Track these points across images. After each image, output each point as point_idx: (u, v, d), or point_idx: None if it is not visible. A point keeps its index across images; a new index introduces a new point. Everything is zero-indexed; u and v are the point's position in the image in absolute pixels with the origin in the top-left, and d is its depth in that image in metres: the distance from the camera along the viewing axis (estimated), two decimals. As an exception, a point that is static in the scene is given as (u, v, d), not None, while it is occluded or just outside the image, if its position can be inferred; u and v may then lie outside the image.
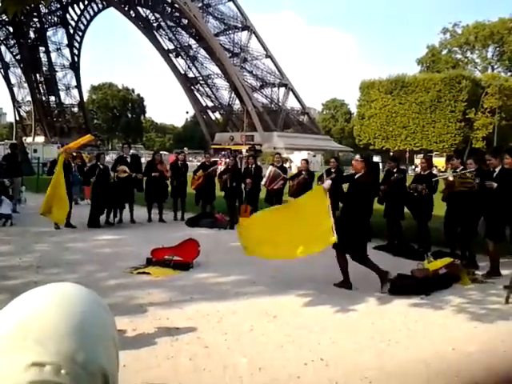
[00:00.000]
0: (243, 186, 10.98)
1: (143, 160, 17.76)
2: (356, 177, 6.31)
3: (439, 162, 49.08)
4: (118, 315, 4.78)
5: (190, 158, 54.72)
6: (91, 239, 9.03)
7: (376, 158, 45.94)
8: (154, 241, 8.31)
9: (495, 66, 73.69)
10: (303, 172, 10.66)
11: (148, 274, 6.42)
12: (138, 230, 10.25)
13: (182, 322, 4.69)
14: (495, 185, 6.74)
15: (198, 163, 15.27)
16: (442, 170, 41.92)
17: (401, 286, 5.90)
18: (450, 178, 7.79)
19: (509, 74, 71.00)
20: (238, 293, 5.70)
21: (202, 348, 4.08)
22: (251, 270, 6.84)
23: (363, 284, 6.23)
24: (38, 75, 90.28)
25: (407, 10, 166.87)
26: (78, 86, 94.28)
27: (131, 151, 12.59)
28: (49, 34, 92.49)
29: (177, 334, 4.36)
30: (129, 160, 11.23)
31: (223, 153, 63.64)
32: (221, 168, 11.25)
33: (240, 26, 79.03)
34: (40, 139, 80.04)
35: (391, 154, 56.44)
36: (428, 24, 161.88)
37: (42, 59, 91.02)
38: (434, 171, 15.70)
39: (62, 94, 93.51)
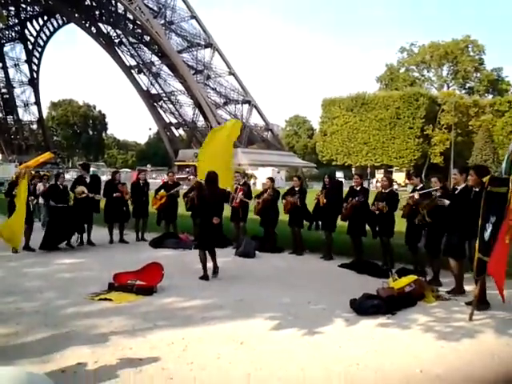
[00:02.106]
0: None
1: (104, 177, 17.41)
2: None
3: (399, 177, 50.28)
4: (78, 345, 4.60)
5: (154, 175, 54.19)
6: (51, 263, 8.71)
7: (339, 174, 46.63)
8: (117, 264, 8.11)
9: (450, 84, 76.54)
10: (268, 190, 10.64)
11: (110, 300, 6.20)
12: (100, 253, 9.95)
13: (145, 351, 4.52)
14: (447, 202, 6.99)
15: (161, 181, 15.06)
16: (402, 184, 43.00)
17: (367, 307, 5.89)
18: (416, 196, 7.92)
19: (463, 91, 73.89)
20: (204, 318, 5.56)
21: (167, 380, 3.93)
22: (217, 293, 6.73)
23: (330, 303, 6.22)
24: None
25: (366, 29, 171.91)
26: (37, 103, 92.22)
27: (92, 170, 12.31)
28: (6, 49, 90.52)
29: (140, 366, 4.19)
30: (88, 180, 10.94)
31: (187, 169, 63.29)
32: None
33: (203, 43, 79.38)
34: (-3, 157, 77.51)
35: (353, 169, 57.62)
36: (386, 43, 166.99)
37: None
38: (395, 186, 16.03)
39: (21, 111, 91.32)
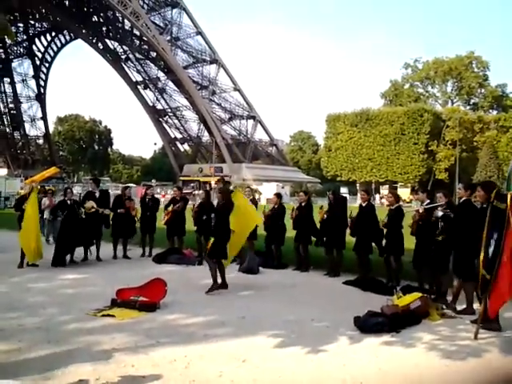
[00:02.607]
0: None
1: (110, 192, 17.47)
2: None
3: (404, 192, 50.19)
4: (80, 362, 4.58)
5: (158, 190, 54.27)
6: (54, 279, 8.70)
7: (343, 190, 46.67)
8: (120, 280, 8.09)
9: (454, 100, 76.87)
10: (275, 206, 10.62)
11: (113, 316, 6.18)
12: (104, 269, 9.94)
13: (147, 369, 4.49)
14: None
15: (161, 196, 15.04)
16: (407, 200, 42.89)
17: (371, 324, 5.84)
18: (420, 211, 7.89)
19: (468, 107, 74.08)
20: (207, 335, 5.53)
21: (169, 398, 3.90)
22: (220, 309, 6.69)
23: (334, 321, 6.18)
24: (1, 106, 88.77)
25: (371, 45, 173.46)
26: (44, 118, 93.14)
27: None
28: (14, 64, 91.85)
29: (142, 383, 4.16)
30: (97, 195, 10.99)
31: (192, 184, 63.50)
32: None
33: (208, 59, 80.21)
34: (3, 172, 77.95)
35: (357, 185, 57.61)
36: (390, 59, 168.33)
37: (7, 90, 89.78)
38: (400, 203, 15.93)
39: (27, 126, 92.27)
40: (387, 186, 56.72)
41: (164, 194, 37.51)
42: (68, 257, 10.22)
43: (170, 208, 11.49)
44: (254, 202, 11.18)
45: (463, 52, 73.87)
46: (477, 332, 5.63)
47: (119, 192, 14.07)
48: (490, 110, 74.73)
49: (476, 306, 6.63)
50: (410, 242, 8.34)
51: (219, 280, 7.87)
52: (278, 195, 11.03)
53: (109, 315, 6.22)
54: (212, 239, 8.12)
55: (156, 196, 13.37)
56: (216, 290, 7.72)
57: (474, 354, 5.09)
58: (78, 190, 44.21)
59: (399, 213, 8.63)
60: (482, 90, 75.69)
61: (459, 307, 6.80)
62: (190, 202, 12.55)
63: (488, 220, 5.77)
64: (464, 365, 4.82)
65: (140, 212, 11.57)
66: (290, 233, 10.30)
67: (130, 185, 38.84)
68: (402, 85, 79.91)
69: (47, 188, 15.51)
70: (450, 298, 7.22)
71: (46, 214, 12.99)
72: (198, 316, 6.33)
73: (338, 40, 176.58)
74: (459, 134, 56.19)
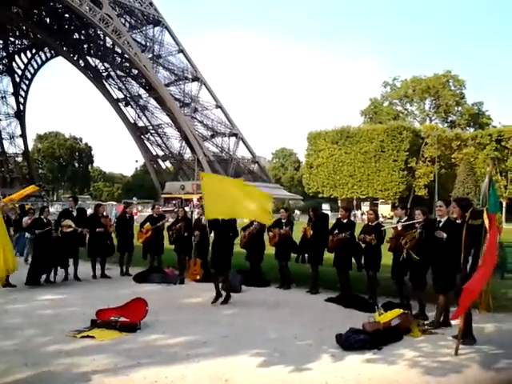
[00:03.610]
0: (192, 238, 10.76)
1: (90, 211, 17.29)
2: None
3: (385, 209, 50.71)
4: (59, 385, 4.47)
5: (140, 208, 53.72)
6: (32, 299, 8.52)
7: (325, 206, 46.86)
8: (100, 300, 7.98)
9: (433, 118, 78.30)
10: (254, 223, 10.60)
11: (92, 337, 6.08)
12: (82, 288, 9.78)
13: (128, 391, 4.42)
14: (445, 235, 6.80)
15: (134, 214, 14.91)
16: (388, 216, 43.32)
17: (353, 341, 5.86)
18: (399, 228, 7.98)
19: (445, 125, 75.53)
20: (189, 355, 5.47)
21: (150, 421, 3.84)
22: (202, 328, 6.64)
23: (316, 338, 6.18)
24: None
25: (351, 63, 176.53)
26: (23, 135, 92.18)
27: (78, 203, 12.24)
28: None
29: (122, 406, 4.09)
30: (75, 214, 10.86)
31: (174, 202, 63.16)
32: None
33: (190, 77, 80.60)
34: (-20, 189, 76.60)
35: (339, 202, 57.98)
36: (370, 78, 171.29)
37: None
38: (380, 219, 16.12)
39: (6, 143, 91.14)
40: (368, 202, 57.26)
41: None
42: (44, 276, 10.04)
43: (146, 226, 11.35)
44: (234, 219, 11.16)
45: (440, 71, 75.65)
46: (457, 348, 5.69)
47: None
48: (467, 128, 76.24)
49: (455, 322, 6.70)
50: (387, 258, 8.44)
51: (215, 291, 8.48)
52: None
53: (88, 336, 6.12)
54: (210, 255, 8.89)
55: (144, 214, 13.29)
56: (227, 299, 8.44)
57: (455, 370, 5.13)
58: (57, 208, 43.56)
59: (379, 229, 8.72)
60: (459, 108, 77.30)
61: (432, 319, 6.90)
62: (169, 220, 12.49)
63: (464, 237, 5.89)
64: (445, 381, 4.86)
65: (115, 230, 11.43)
66: (269, 250, 10.30)
67: (105, 203, 38.29)
68: (382, 103, 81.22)
69: (27, 207, 15.26)
70: (431, 315, 7.30)
71: (27, 234, 12.77)
72: (180, 336, 6.26)
73: (318, 58, 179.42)
74: (437, 151, 57.11)
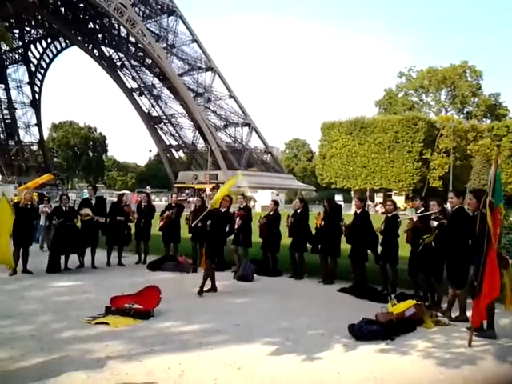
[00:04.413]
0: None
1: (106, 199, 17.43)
2: None
3: (398, 200, 50.25)
4: (73, 371, 4.55)
5: (153, 197, 54.06)
6: (48, 286, 8.64)
7: (338, 197, 46.66)
8: (114, 287, 8.06)
9: (448, 109, 77.36)
10: (271, 213, 10.60)
11: (107, 324, 6.14)
12: (98, 276, 9.88)
13: (141, 376, 4.47)
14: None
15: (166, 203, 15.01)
16: (402, 208, 42.99)
17: (366, 332, 5.84)
18: (414, 219, 7.91)
19: (461, 116, 74.59)
20: (201, 343, 5.50)
21: (163, 406, 3.88)
22: (215, 317, 6.68)
23: (329, 328, 6.17)
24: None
25: (366, 54, 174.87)
26: (38, 124, 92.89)
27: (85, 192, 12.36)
28: (9, 71, 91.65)
29: (136, 391, 4.14)
30: (93, 202, 10.97)
31: (187, 191, 63.39)
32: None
33: (204, 66, 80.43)
34: (-4, 178, 77.64)
35: (352, 193, 57.70)
36: (385, 68, 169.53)
37: (1, 96, 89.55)
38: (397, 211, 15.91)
39: (22, 132, 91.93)
40: (382, 193, 56.89)
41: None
42: (62, 264, 10.17)
43: (165, 214, 11.49)
44: (248, 209, 11.18)
45: (457, 61, 74.63)
46: (471, 339, 5.65)
47: (114, 199, 14.03)
48: (484, 119, 75.25)
49: (469, 313, 6.64)
50: (405, 250, 8.36)
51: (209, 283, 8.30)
52: (276, 202, 11.06)
53: (103, 323, 6.19)
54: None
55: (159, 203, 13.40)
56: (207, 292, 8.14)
57: (469, 362, 5.10)
58: (72, 196, 43.98)
59: (395, 220, 8.64)
60: (476, 99, 76.29)
61: (454, 314, 6.81)
62: (185, 209, 12.53)
63: (478, 227, 5.82)
64: (458, 372, 4.83)
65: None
66: (285, 240, 10.29)
67: (125, 192, 38.57)
68: (397, 93, 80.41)
69: (45, 197, 15.40)
70: (444, 306, 7.24)
71: (42, 221, 12.92)
72: (193, 324, 6.30)
73: (333, 48, 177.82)
74: (453, 143, 56.45)
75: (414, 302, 6.73)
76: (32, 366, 4.69)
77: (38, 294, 8.06)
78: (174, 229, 11.33)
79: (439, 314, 6.92)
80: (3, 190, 14.47)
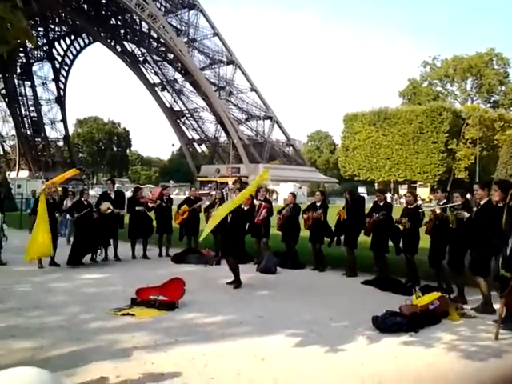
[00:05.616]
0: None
1: (128, 193, 17.70)
2: None
3: (423, 192, 49.63)
4: (101, 360, 4.65)
5: (176, 191, 54.53)
6: (75, 279, 8.85)
7: (361, 189, 46.36)
8: (139, 279, 8.19)
9: (474, 98, 75.75)
10: (290, 205, 10.63)
11: (132, 315, 6.26)
12: (123, 268, 10.07)
13: (167, 366, 4.55)
14: (467, 215, 6.96)
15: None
16: (427, 200, 42.42)
17: (389, 324, 5.82)
18: (437, 211, 7.82)
19: (488, 105, 72.96)
20: (225, 334, 5.57)
21: (188, 395, 3.94)
22: (238, 308, 6.73)
23: (352, 320, 6.16)
24: (23, 109, 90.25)
25: (388, 43, 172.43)
26: (64, 120, 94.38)
27: (116, 186, 12.54)
28: (35, 68, 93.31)
29: (162, 380, 4.22)
30: (113, 196, 11.15)
31: (210, 185, 63.75)
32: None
33: (225, 60, 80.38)
34: (24, 174, 79.43)
35: (376, 185, 57.13)
36: (408, 57, 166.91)
37: (28, 93, 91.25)
38: (419, 202, 15.80)
39: (47, 128, 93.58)
40: (406, 185, 56.22)
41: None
42: (89, 256, 10.40)
43: (183, 208, 11.57)
44: (268, 201, 11.22)
45: (483, 49, 72.90)
46: (497, 332, 5.56)
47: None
48: (511, 108, 73.44)
49: (496, 305, 6.54)
50: (425, 242, 8.29)
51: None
52: (293, 194, 11.12)
53: (129, 314, 6.31)
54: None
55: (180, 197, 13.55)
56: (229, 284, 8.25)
57: (495, 355, 5.03)
58: (97, 191, 44.69)
59: (417, 212, 8.58)
60: (503, 88, 74.46)
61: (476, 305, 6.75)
62: (206, 203, 12.65)
63: (505, 220, 5.71)
64: (484, 366, 4.77)
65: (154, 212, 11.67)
66: (303, 232, 10.30)
67: (143, 186, 38.98)
68: (421, 83, 79.03)
69: (69, 190, 15.73)
70: (471, 299, 7.16)
71: (68, 215, 13.19)
72: (217, 315, 6.38)
73: (355, 39, 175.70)
74: (479, 133, 55.35)
75: (439, 294, 6.66)
76: (62, 355, 4.82)
77: (66, 286, 8.26)
78: (193, 222, 11.45)
79: (465, 307, 6.84)
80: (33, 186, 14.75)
